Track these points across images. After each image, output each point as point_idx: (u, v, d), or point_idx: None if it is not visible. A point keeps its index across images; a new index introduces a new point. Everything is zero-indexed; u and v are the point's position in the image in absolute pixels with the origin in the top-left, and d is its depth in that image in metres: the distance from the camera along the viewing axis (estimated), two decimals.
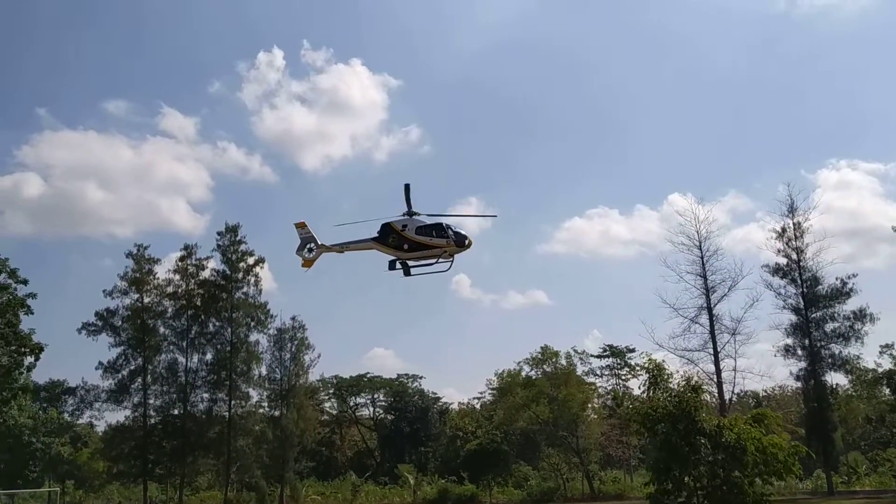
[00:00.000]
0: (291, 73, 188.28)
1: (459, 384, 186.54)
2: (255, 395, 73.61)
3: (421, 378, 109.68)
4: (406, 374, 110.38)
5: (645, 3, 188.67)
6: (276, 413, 74.49)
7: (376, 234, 35.37)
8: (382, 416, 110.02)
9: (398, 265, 34.73)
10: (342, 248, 36.89)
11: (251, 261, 72.60)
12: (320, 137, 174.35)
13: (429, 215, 34.55)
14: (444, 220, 34.58)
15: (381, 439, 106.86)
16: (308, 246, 37.20)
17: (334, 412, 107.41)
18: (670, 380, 29.80)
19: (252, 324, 72.40)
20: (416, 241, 34.01)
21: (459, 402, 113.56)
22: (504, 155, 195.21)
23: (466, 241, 33.98)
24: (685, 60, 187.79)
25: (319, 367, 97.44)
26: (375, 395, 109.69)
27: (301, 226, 37.47)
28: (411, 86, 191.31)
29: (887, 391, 64.90)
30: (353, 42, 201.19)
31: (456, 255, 33.98)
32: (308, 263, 37.38)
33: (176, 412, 70.68)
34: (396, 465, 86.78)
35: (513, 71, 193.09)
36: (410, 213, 34.46)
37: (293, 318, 75.88)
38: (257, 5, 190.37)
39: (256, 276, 72.62)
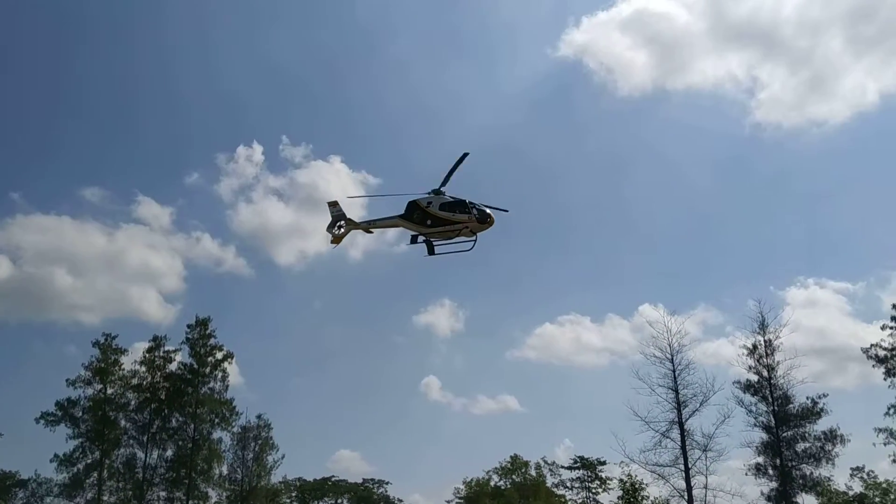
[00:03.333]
0: (269, 168, 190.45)
1: (426, 490, 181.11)
2: (213, 495, 71.09)
3: (387, 483, 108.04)
4: (372, 479, 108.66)
5: (621, 121, 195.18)
6: None
7: (403, 212, 36.23)
8: None
9: (420, 240, 35.49)
10: (370, 224, 38.10)
11: (219, 355, 71.70)
12: (296, 232, 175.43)
13: (452, 198, 35.11)
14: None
15: None
16: (338, 223, 38.13)
17: None
18: (644, 502, 29.19)
19: (216, 420, 70.68)
20: (439, 217, 34.78)
21: None
22: (478, 257, 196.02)
23: (488, 219, 34.37)
24: (657, 175, 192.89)
25: (283, 468, 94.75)
26: (339, 500, 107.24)
27: (333, 204, 38.62)
28: (390, 184, 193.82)
29: None
30: (333, 139, 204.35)
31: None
32: (337, 240, 38.45)
33: None
34: None
35: (491, 176, 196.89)
36: (437, 191, 35.22)
37: (259, 417, 74.32)
38: (239, 99, 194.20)
39: (224, 371, 71.59)
